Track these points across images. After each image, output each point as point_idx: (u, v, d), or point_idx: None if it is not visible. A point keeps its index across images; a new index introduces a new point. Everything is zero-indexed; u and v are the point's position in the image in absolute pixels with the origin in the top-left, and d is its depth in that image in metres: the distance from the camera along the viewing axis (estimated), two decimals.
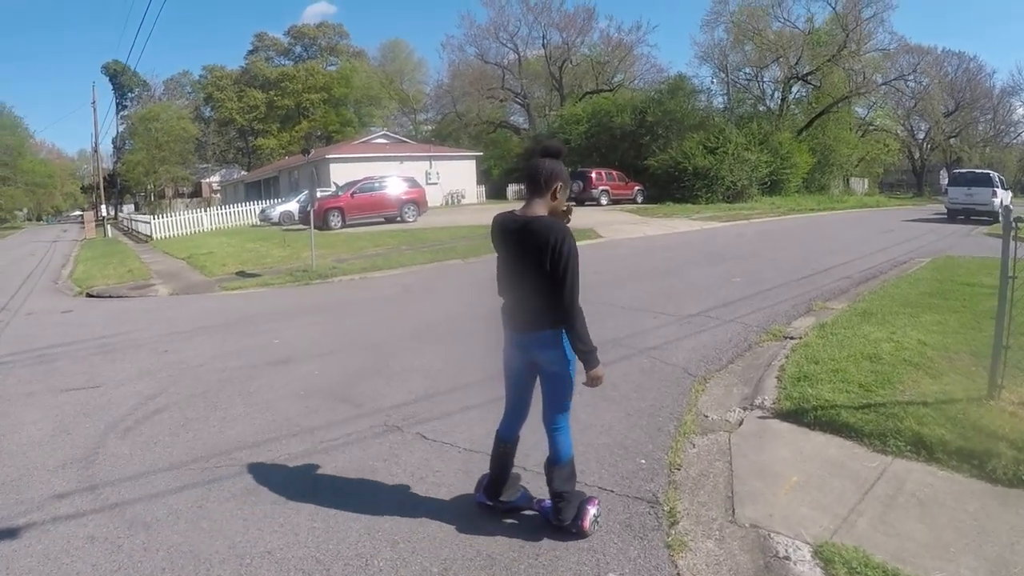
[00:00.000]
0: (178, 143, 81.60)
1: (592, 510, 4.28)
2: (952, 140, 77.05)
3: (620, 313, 10.46)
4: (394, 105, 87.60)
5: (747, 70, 62.84)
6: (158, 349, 9.66)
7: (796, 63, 57.09)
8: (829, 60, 54.81)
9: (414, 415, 6.36)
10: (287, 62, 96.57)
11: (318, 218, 28.58)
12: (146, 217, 40.01)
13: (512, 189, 56.39)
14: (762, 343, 8.69)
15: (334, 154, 47.38)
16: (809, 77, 57.51)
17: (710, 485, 4.86)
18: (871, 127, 67.05)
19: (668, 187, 43.57)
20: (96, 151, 58.77)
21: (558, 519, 4.25)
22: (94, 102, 52.17)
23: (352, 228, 29.19)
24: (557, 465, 4.26)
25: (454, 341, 9.34)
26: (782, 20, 59.26)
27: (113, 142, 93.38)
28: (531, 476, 4.86)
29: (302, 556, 4.10)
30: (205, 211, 40.16)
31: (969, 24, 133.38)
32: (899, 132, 74.74)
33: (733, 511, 4.49)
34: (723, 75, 61.43)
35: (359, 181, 32.34)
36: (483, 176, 57.44)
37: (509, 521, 4.48)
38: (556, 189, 4.00)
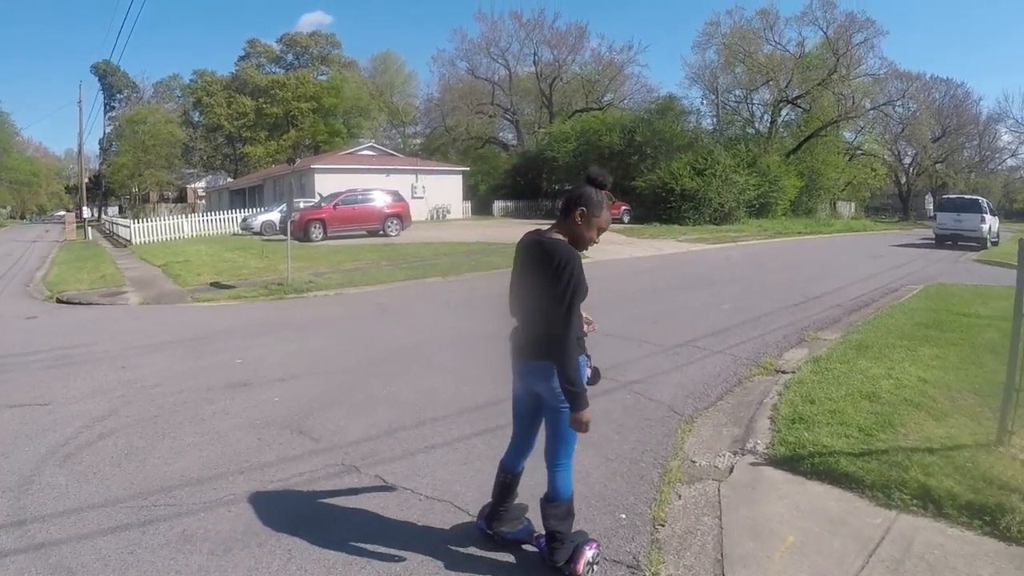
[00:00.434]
0: (164, 147, 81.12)
1: (588, 553, 4.00)
2: (938, 165, 78.04)
3: (602, 340, 9.94)
4: (383, 117, 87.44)
5: (737, 92, 63.16)
6: (116, 364, 9.12)
7: (786, 86, 57.26)
8: (819, 84, 55.07)
9: (374, 453, 5.83)
10: (278, 70, 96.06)
11: (299, 229, 28.25)
12: (126, 221, 39.58)
13: (498, 205, 56.20)
14: (752, 377, 8.21)
15: (319, 164, 46.91)
16: (799, 100, 57.73)
17: (697, 545, 4.36)
18: (859, 151, 67.43)
19: (655, 208, 43.36)
20: (80, 152, 57.91)
21: (551, 559, 4.00)
22: (80, 101, 51.57)
23: (333, 241, 28.73)
24: (553, 503, 4.00)
25: (425, 369, 8.77)
26: (773, 43, 59.67)
27: (100, 143, 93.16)
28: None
29: None
30: (186, 217, 39.60)
31: (957, 51, 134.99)
32: (886, 157, 75.29)
33: None
34: (713, 96, 61.79)
35: (342, 193, 31.88)
36: (470, 191, 57.20)
37: (502, 559, 4.12)
38: (577, 214, 3.82)
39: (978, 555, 4.15)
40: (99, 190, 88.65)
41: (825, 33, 57.11)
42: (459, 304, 14.44)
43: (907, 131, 73.57)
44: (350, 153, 55.50)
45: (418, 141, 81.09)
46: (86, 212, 51.65)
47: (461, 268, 19.01)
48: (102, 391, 7.81)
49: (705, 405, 7.16)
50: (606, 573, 4.07)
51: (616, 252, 25.08)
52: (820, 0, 56.70)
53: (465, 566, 4.13)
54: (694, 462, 5.67)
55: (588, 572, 3.98)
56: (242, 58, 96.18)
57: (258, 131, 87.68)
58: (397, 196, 33.13)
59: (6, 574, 4.03)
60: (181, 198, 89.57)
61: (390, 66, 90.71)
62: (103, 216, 71.82)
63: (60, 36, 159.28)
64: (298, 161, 47.67)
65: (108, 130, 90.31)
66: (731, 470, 5.44)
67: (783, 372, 8.25)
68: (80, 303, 15.32)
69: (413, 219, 34.27)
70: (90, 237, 44.02)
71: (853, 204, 70.80)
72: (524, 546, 4.29)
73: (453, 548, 4.31)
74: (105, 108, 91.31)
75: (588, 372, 3.92)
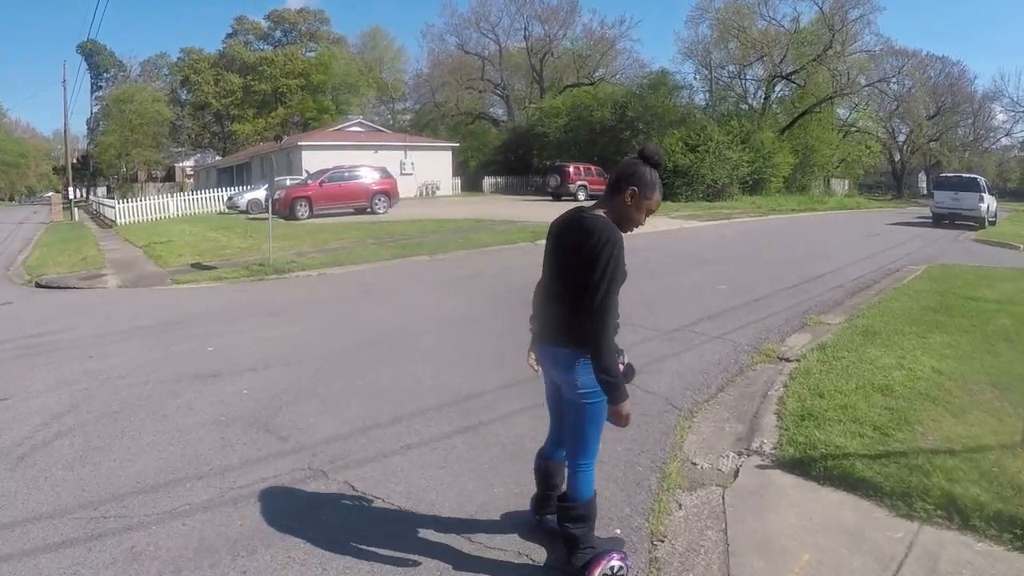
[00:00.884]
0: (152, 126, 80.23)
1: (610, 563, 3.63)
2: (933, 144, 78.18)
3: None
4: (372, 93, 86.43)
5: (730, 68, 62.69)
6: (85, 354, 8.63)
7: (780, 62, 56.68)
8: (814, 60, 54.49)
9: (345, 455, 5.33)
10: (266, 47, 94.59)
11: (285, 208, 27.87)
12: (111, 201, 38.99)
13: (488, 182, 55.75)
14: (755, 365, 7.74)
15: (307, 141, 46.34)
16: (793, 76, 57.14)
17: (701, 565, 3.89)
18: (853, 128, 66.94)
19: None
20: (65, 131, 56.94)
21: (567, 564, 3.69)
22: (64, 81, 50.70)
23: (320, 219, 28.25)
24: (569, 502, 3.69)
25: (405, 355, 8.27)
26: (768, 18, 58.97)
27: (87, 123, 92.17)
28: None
29: None
30: (171, 197, 39.30)
31: (954, 29, 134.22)
32: (880, 134, 74.99)
33: None
34: (706, 72, 61.43)
35: (328, 170, 31.36)
36: (459, 168, 56.70)
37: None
38: (628, 194, 3.46)
39: (1010, 575, 3.72)
40: (87, 170, 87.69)
41: (821, 8, 56.40)
42: (445, 284, 13.95)
43: (902, 108, 73.70)
44: (338, 130, 54.86)
45: (407, 117, 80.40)
46: (72, 193, 50.91)
47: (448, 246, 18.58)
48: (66, 383, 7.33)
49: (705, 397, 6.67)
50: None
51: None
52: None
53: None
54: (695, 464, 5.19)
55: None
56: (230, 35, 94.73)
57: (246, 109, 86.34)
58: (385, 173, 32.62)
59: None
60: (169, 177, 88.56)
61: (379, 42, 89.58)
62: (91, 196, 70.91)
63: (45, 16, 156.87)
64: (285, 138, 47.20)
65: (95, 110, 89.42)
66: (736, 474, 4.96)
67: (787, 360, 7.78)
68: (59, 287, 14.86)
69: (402, 196, 33.90)
70: (76, 218, 43.44)
71: (847, 181, 70.52)
72: None
73: (426, 569, 3.84)
74: (92, 88, 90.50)
75: (622, 367, 3.46)
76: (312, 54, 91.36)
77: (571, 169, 42.05)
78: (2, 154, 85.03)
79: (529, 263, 16.39)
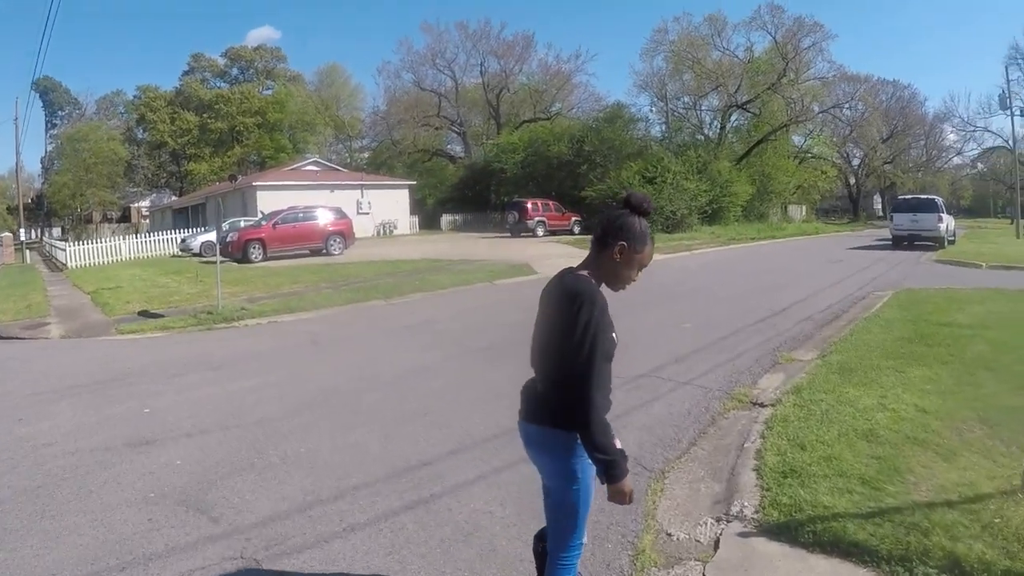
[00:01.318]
0: (106, 165, 78.83)
1: None
2: (887, 166, 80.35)
3: None
4: (329, 131, 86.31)
5: (686, 99, 63.54)
6: (14, 417, 7.97)
7: (735, 92, 57.40)
8: (768, 88, 55.28)
9: (282, 539, 4.75)
10: (223, 84, 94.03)
11: (238, 250, 27.40)
12: (63, 244, 38.22)
13: (446, 219, 55.59)
14: (727, 413, 7.29)
15: (262, 181, 45.80)
16: (748, 105, 57.73)
17: None
18: (808, 155, 67.86)
19: None
20: (17, 170, 55.99)
21: None
22: (16, 118, 49.85)
23: (274, 261, 27.64)
24: None
25: (352, 416, 7.67)
26: (722, 49, 60.00)
27: (41, 162, 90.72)
28: None
29: None
30: (124, 239, 38.51)
31: (904, 53, 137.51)
32: (835, 159, 76.38)
33: None
34: (662, 104, 61.73)
35: (282, 211, 31.00)
36: (417, 206, 56.55)
37: None
38: (616, 250, 3.04)
39: None
40: (41, 211, 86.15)
41: (774, 38, 57.49)
42: (399, 331, 13.35)
43: (856, 133, 75.55)
44: (294, 169, 54.47)
45: (364, 155, 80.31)
46: (24, 234, 49.79)
47: (404, 289, 18.05)
48: None
49: (677, 454, 6.18)
50: None
51: (567, 266, 24.17)
52: (768, 5, 57.40)
53: None
54: (670, 535, 4.68)
55: None
56: (186, 73, 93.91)
57: (202, 147, 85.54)
58: (340, 213, 32.27)
59: None
60: (125, 217, 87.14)
61: (336, 79, 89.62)
62: (45, 238, 69.67)
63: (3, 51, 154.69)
64: (240, 178, 46.61)
65: (50, 148, 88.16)
66: (716, 544, 4.46)
67: (761, 405, 7.35)
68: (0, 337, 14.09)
69: (359, 236, 33.77)
70: (28, 260, 42.34)
71: (804, 207, 71.48)
72: None
73: None
74: (47, 125, 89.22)
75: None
76: (269, 92, 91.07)
77: (529, 205, 42.13)
78: None
79: (485, 304, 16.01)
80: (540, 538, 3.53)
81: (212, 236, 33.09)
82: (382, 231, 47.68)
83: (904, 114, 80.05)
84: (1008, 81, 56.34)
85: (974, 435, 5.96)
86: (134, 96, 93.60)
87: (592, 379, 2.79)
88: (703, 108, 63.65)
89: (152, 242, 38.09)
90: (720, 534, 4.62)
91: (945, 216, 31.83)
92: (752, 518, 4.76)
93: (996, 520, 4.37)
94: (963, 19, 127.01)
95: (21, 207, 56.57)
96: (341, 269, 23.46)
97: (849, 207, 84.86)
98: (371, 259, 26.84)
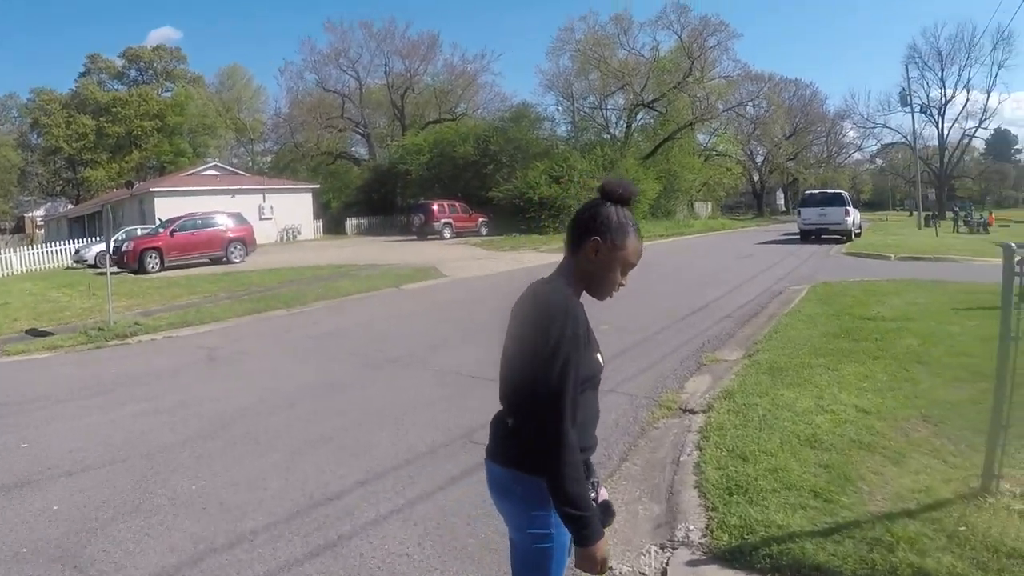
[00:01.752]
0: None
1: None
2: (790, 163, 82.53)
3: (465, 386, 8.45)
4: (230, 135, 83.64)
5: (592, 98, 63.48)
6: None
7: (642, 90, 57.62)
8: (674, 87, 55.81)
9: None
10: (121, 87, 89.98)
11: (134, 260, 26.21)
12: None
13: (352, 223, 54.59)
14: (656, 422, 6.77)
15: (160, 187, 43.90)
16: (654, 104, 58.06)
17: None
18: (713, 152, 69.03)
19: (513, 218, 42.09)
20: None
21: None
22: None
23: (172, 271, 26.26)
24: None
25: (250, 445, 6.83)
26: (628, 48, 60.37)
27: None
28: None
29: None
30: (15, 251, 36.57)
31: (806, 53, 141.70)
32: (740, 156, 78.03)
33: None
34: (568, 103, 61.62)
35: (180, 218, 29.59)
36: (321, 210, 55.37)
37: None
38: (590, 247, 2.47)
39: None
40: None
41: (680, 37, 58.18)
42: (302, 343, 12.46)
43: (759, 130, 77.62)
44: (193, 174, 52.38)
45: (267, 159, 78.11)
46: None
47: (307, 297, 17.27)
48: None
49: (608, 472, 5.53)
50: None
51: (477, 269, 23.89)
52: (674, 5, 58.16)
53: None
54: (611, 569, 4.07)
55: None
56: (83, 74, 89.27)
57: (99, 153, 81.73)
58: (240, 219, 31.06)
59: None
60: (18, 228, 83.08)
61: (237, 80, 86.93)
62: None
63: None
64: (137, 184, 44.82)
65: None
66: None
67: (691, 411, 6.87)
68: None
69: (261, 241, 32.67)
70: None
71: (710, 204, 72.72)
72: None
73: None
74: None
75: (595, 499, 2.37)
76: (168, 94, 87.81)
77: (435, 207, 41.59)
78: None
79: (393, 312, 15.27)
80: None
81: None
82: (285, 237, 46.39)
83: (806, 112, 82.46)
84: (908, 79, 58.57)
85: (920, 435, 5.65)
86: (28, 99, 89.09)
87: (563, 411, 2.19)
88: (609, 107, 63.98)
89: (45, 253, 36.36)
90: (667, 564, 4.08)
91: (852, 210, 32.73)
92: (700, 543, 4.23)
93: (961, 528, 4.04)
94: (862, 19, 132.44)
95: None
96: (242, 277, 22.42)
97: (753, 203, 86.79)
98: (273, 266, 25.82)
